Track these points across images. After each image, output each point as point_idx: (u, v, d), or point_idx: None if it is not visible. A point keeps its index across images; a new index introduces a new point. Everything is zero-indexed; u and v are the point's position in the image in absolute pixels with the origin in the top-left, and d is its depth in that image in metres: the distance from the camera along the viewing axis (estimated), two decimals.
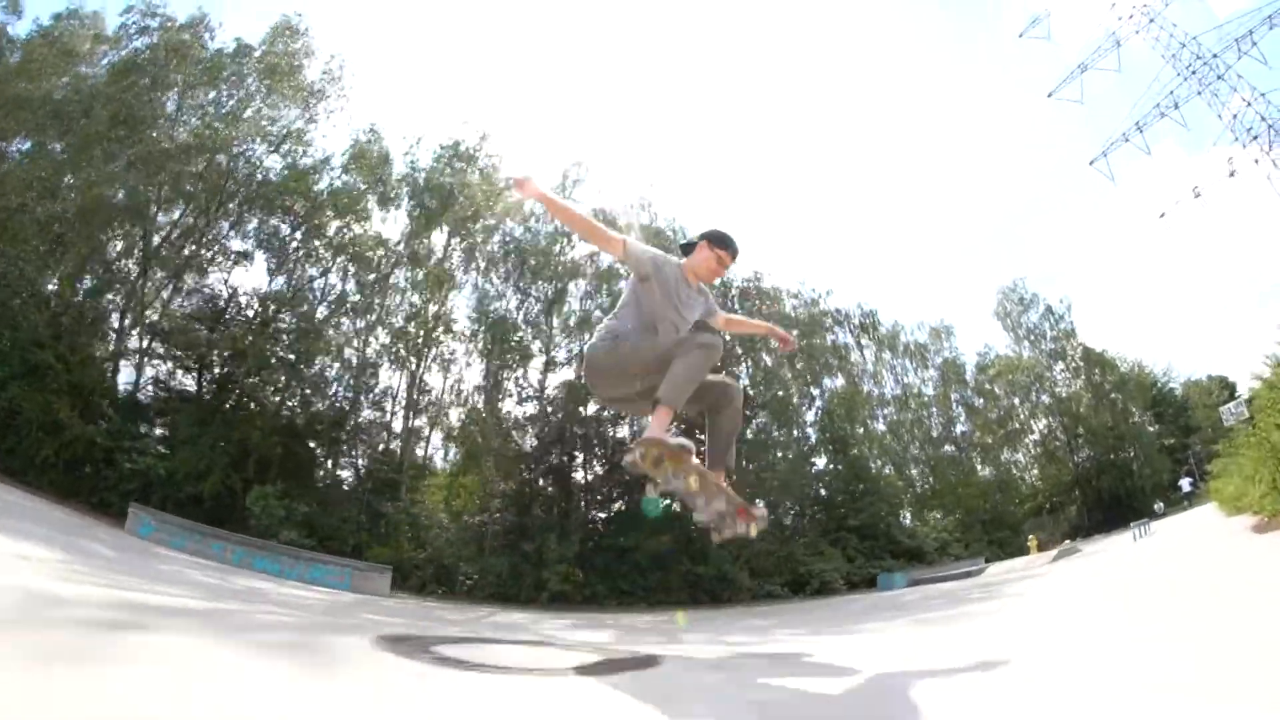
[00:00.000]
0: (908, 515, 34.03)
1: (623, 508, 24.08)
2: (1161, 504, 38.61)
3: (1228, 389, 64.24)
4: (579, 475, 24.78)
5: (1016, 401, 43.06)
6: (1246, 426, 14.80)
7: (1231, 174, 32.57)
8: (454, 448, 27.88)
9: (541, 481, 24.91)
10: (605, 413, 24.90)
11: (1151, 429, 47.95)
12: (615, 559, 21.29)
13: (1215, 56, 31.35)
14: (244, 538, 14.89)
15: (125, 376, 22.23)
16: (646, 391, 3.00)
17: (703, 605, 19.46)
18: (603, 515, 24.06)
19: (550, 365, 26.71)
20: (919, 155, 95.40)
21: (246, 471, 19.44)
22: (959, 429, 39.33)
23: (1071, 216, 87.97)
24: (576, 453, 24.79)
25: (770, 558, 23.95)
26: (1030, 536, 24.04)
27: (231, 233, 25.76)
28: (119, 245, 23.84)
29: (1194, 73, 31.97)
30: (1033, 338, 44.63)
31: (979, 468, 38.99)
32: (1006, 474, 39.78)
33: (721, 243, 3.32)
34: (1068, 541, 37.18)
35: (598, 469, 24.69)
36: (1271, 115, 30.07)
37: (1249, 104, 30.57)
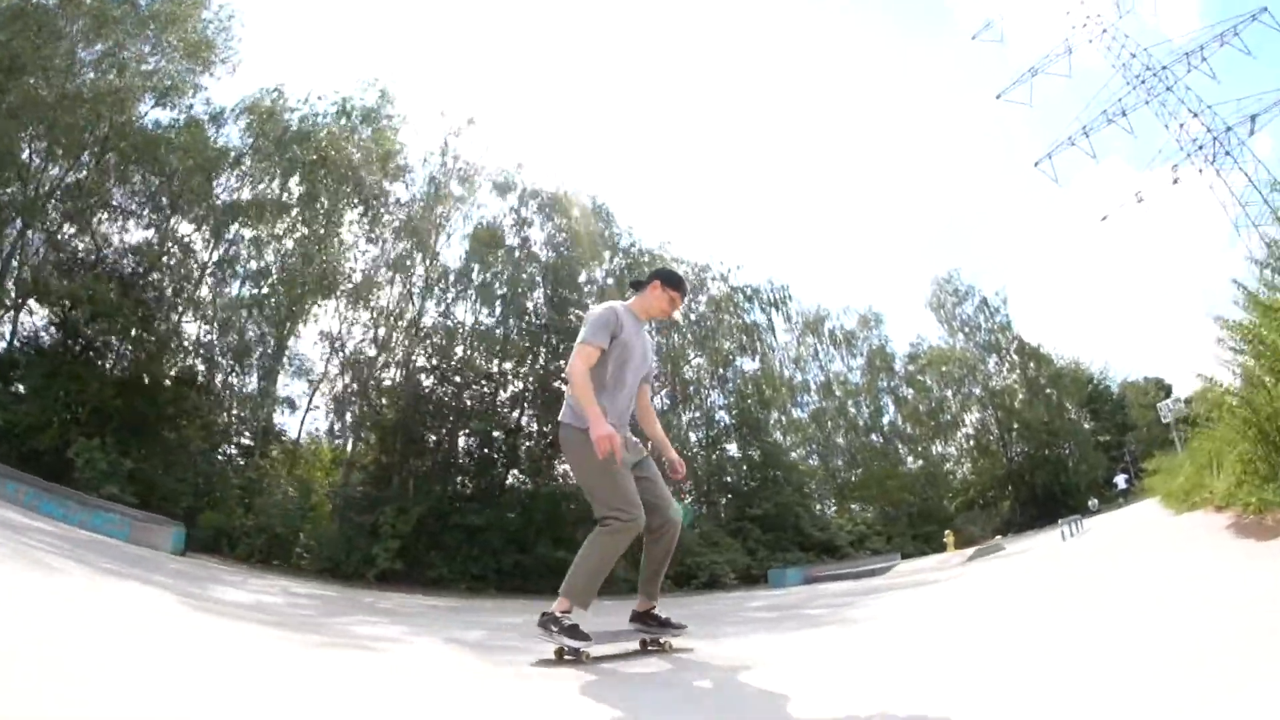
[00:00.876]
0: (830, 506, 31.50)
1: (474, 485, 20.80)
2: (1096, 501, 37.10)
3: (1164, 390, 64.24)
4: (438, 446, 21.18)
5: (949, 394, 40.87)
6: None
7: (1175, 181, 33.32)
8: (324, 414, 25.01)
9: (403, 452, 21.45)
10: (475, 385, 21.60)
11: (1087, 425, 46.62)
12: (465, 538, 18.38)
13: (1165, 68, 32.28)
14: (41, 482, 14.17)
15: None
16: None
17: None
18: (459, 490, 20.70)
19: (416, 330, 23.09)
20: (859, 149, 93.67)
21: (87, 426, 18.48)
22: (886, 419, 36.80)
23: (1015, 218, 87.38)
24: (434, 422, 21.23)
25: None
26: (947, 533, 21.38)
27: (113, 187, 23.85)
28: None
29: (1143, 82, 32.84)
30: (967, 330, 42.78)
31: (907, 460, 36.60)
32: (936, 467, 37.54)
33: (675, 284, 3.39)
34: (997, 537, 35.60)
35: (462, 442, 21.16)
36: (1217, 128, 30.84)
37: (1195, 115, 31.41)
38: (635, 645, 3.35)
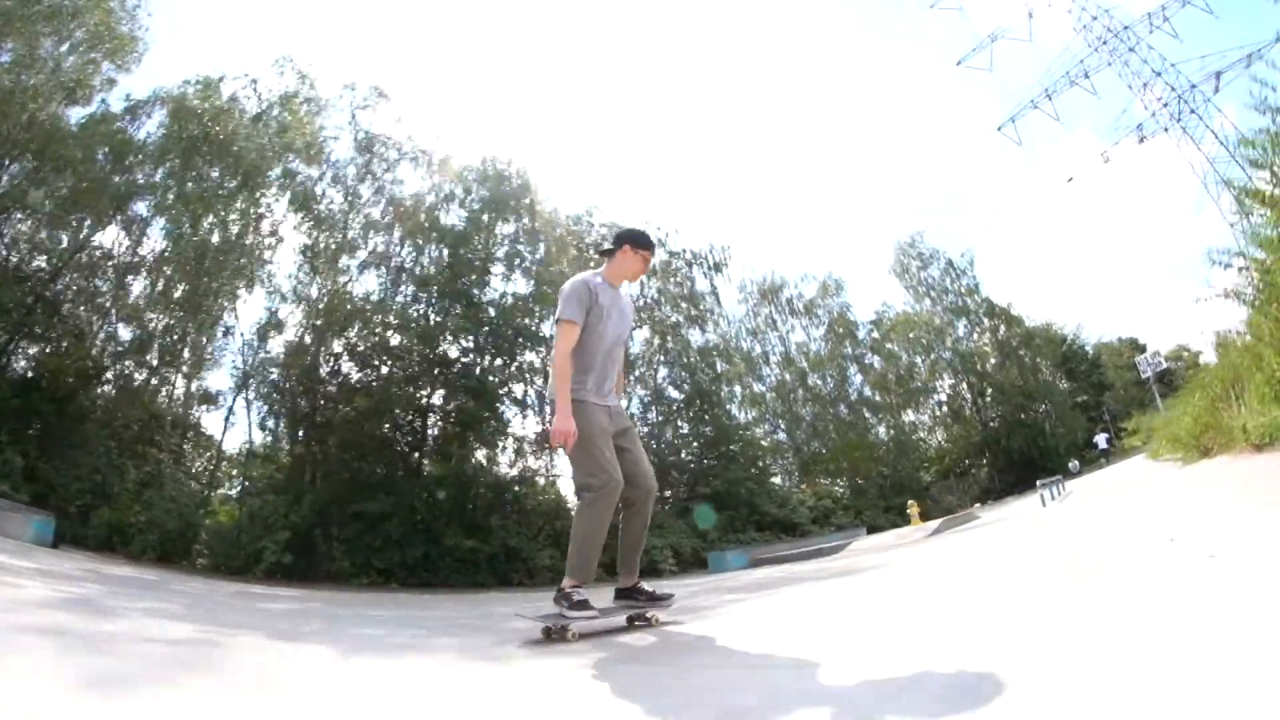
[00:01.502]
0: (794, 482, 29.40)
1: (381, 470, 18.56)
2: (1077, 462, 35.58)
3: (1139, 349, 63.21)
4: (343, 429, 18.94)
5: (918, 360, 39.01)
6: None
7: (1140, 140, 33.35)
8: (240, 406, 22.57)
9: (308, 439, 19.50)
10: (381, 363, 19.30)
11: (1063, 385, 45.09)
12: (367, 528, 16.29)
13: (1126, 29, 32.21)
14: None
15: None
16: None
17: (486, 588, 15.18)
18: (365, 476, 18.33)
19: (321, 311, 20.69)
20: (815, 119, 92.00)
21: None
22: (852, 389, 34.74)
23: (982, 186, 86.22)
24: (340, 405, 19.00)
25: None
26: (911, 503, 19.29)
27: (28, 188, 21.66)
28: None
29: (1104, 43, 32.66)
30: (934, 294, 40.96)
31: (877, 429, 34.62)
32: (907, 435, 35.61)
33: (645, 244, 3.40)
34: (975, 506, 33.95)
35: (367, 424, 18.87)
36: (1181, 86, 30.89)
37: (1159, 75, 31.42)
38: (622, 621, 3.33)
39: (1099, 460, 35.68)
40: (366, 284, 21.70)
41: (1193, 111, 31.87)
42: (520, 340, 19.68)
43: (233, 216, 22.93)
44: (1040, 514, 10.31)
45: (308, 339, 20.73)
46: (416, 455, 19.13)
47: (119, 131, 22.70)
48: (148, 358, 22.56)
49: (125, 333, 22.85)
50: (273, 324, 20.99)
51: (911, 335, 38.74)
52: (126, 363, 22.57)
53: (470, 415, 18.66)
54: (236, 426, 23.74)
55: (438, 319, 19.89)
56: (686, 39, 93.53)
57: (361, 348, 19.50)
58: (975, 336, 40.85)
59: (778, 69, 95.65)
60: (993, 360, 40.07)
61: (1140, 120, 33.36)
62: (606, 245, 3.55)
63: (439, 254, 21.00)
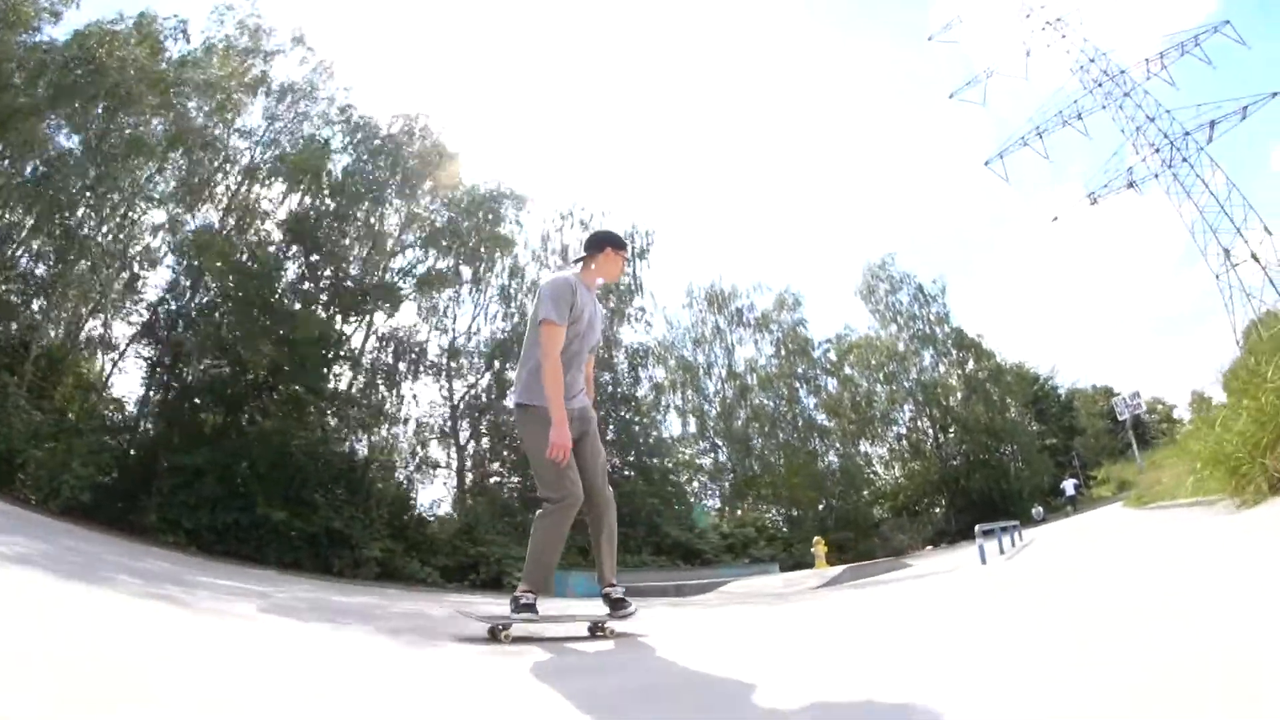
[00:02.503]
0: (714, 503, 26.31)
1: (213, 422, 16.09)
2: (1041, 509, 32.55)
3: (1113, 399, 61.05)
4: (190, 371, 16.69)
5: (879, 388, 36.20)
6: None
7: (1130, 185, 32.94)
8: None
9: (152, 378, 17.26)
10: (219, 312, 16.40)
11: (1032, 427, 42.45)
12: (182, 485, 13.94)
13: (1123, 73, 32.28)
14: None
15: None
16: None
17: (301, 569, 13.16)
18: (193, 424, 16.02)
19: (190, 244, 17.99)
20: (808, 140, 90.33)
21: None
22: (800, 410, 31.70)
23: (965, 219, 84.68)
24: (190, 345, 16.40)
25: (444, 542, 16.60)
26: (816, 540, 16.16)
27: None
28: None
29: (1100, 86, 32.63)
30: (900, 319, 38.19)
31: (826, 456, 31.59)
32: (858, 466, 32.59)
33: (623, 246, 3.51)
34: (928, 548, 31.04)
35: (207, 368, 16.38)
36: (1174, 133, 30.79)
37: (1152, 120, 31.33)
38: (584, 630, 3.38)
39: (1065, 508, 32.73)
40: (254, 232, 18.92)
41: (1184, 160, 31.49)
42: (368, 299, 17.00)
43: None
44: (979, 575, 7.00)
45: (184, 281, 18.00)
46: (244, 411, 16.39)
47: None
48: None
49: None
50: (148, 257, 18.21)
51: (873, 361, 35.95)
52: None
53: (299, 373, 16.03)
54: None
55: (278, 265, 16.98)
56: (673, 43, 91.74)
57: (213, 285, 16.99)
58: (941, 368, 38.20)
59: (767, 87, 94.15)
60: (958, 394, 37.35)
61: (1131, 165, 32.97)
62: (583, 250, 3.51)
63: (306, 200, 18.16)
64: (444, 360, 21.45)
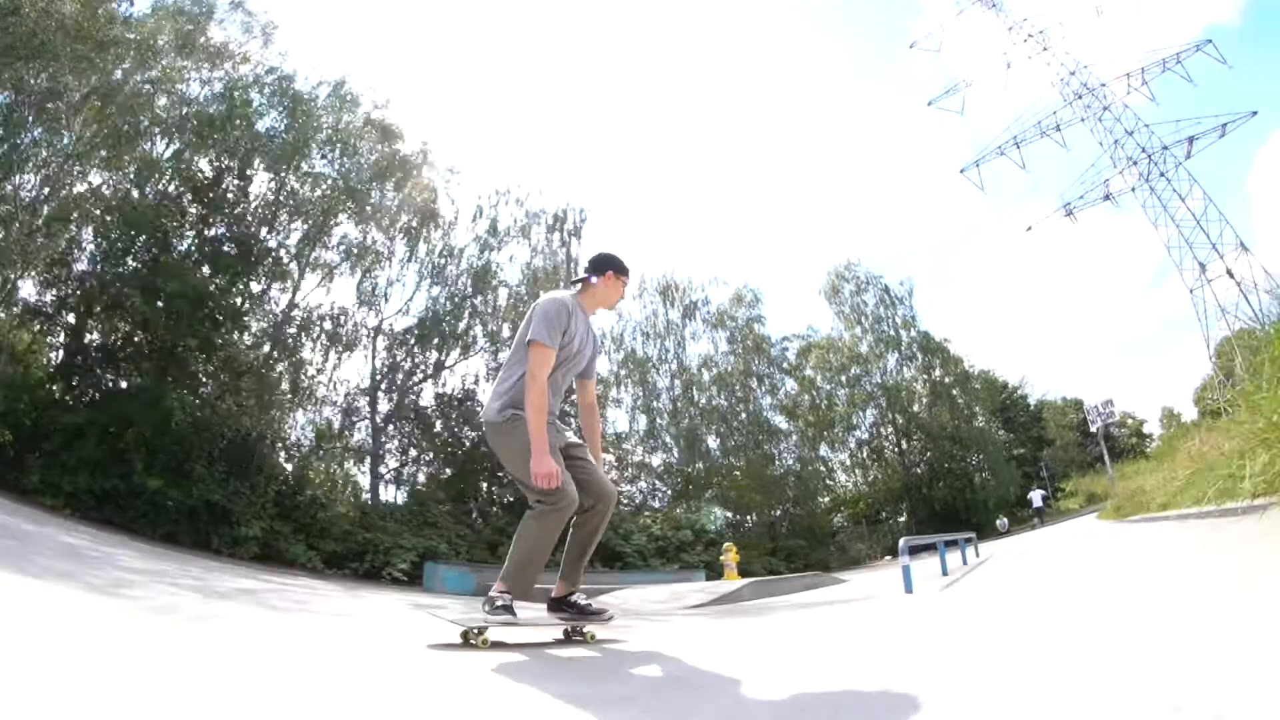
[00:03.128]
0: (658, 505, 24.77)
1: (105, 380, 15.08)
2: (1005, 520, 31.35)
3: (1083, 413, 60.40)
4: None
5: (841, 391, 34.89)
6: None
7: (1107, 197, 33.14)
8: None
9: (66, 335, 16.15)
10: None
11: (999, 436, 41.32)
12: (63, 446, 12.82)
13: (1104, 85, 32.53)
14: None
15: None
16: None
17: (179, 544, 12.31)
18: (89, 383, 15.05)
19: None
20: (786, 144, 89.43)
21: None
22: (753, 409, 30.17)
23: (941, 227, 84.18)
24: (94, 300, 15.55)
25: (335, 526, 15.10)
26: (728, 547, 14.49)
27: None
28: None
29: (1079, 98, 32.94)
30: (865, 321, 37.02)
31: (784, 458, 30.12)
32: (815, 471, 31.20)
33: (626, 271, 3.31)
34: (886, 559, 29.73)
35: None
36: (1153, 147, 31.10)
37: (1130, 134, 31.56)
38: (559, 634, 3.23)
39: (1031, 520, 31.59)
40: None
41: (1162, 175, 31.59)
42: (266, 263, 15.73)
43: None
44: (891, 610, 5.12)
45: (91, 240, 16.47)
46: (135, 373, 15.21)
47: None
48: None
49: None
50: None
51: (835, 362, 34.61)
52: None
53: (184, 332, 14.63)
54: None
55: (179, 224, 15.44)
56: (640, 30, 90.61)
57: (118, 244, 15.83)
58: (907, 373, 36.95)
59: (740, 86, 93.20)
60: (923, 400, 36.09)
61: (1108, 178, 33.13)
62: (584, 271, 3.29)
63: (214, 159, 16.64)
64: (364, 337, 19.83)
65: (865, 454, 35.91)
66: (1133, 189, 32.73)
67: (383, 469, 19.28)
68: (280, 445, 16.68)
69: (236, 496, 13.87)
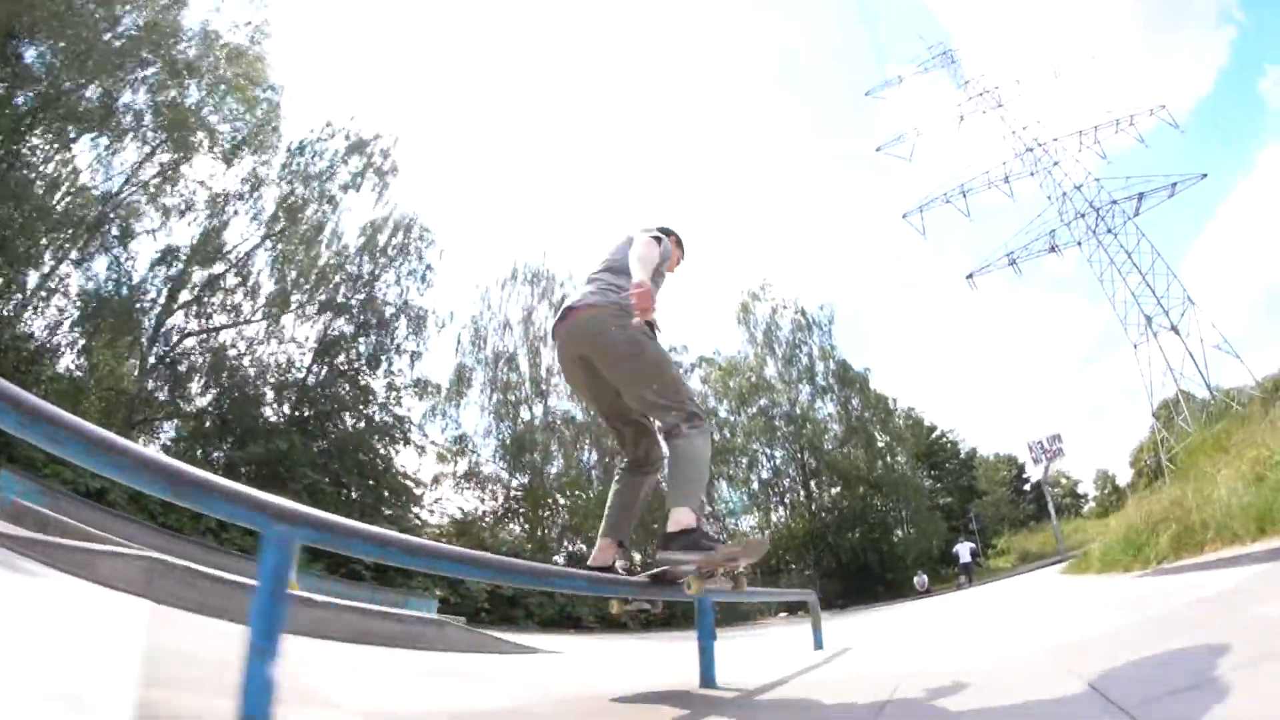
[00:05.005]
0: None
1: None
2: (924, 578, 26.71)
3: (1016, 469, 57.05)
4: None
5: (740, 418, 30.39)
6: None
7: (1052, 249, 33.04)
8: None
9: None
10: None
11: (925, 483, 37.14)
12: None
13: (1055, 140, 32.90)
14: None
15: None
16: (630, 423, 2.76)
17: None
18: None
19: None
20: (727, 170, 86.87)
21: None
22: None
23: (880, 274, 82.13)
24: None
25: None
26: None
27: None
28: None
29: (1029, 151, 33.21)
30: (778, 348, 33.05)
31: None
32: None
33: (684, 247, 3.17)
34: (782, 615, 25.08)
35: None
36: (1101, 201, 31.43)
37: (1078, 188, 31.85)
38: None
39: (957, 578, 26.85)
40: None
41: (1109, 230, 31.50)
42: None
43: None
44: None
45: None
46: None
47: None
48: None
49: None
50: None
51: (737, 387, 30.17)
52: None
53: None
54: None
55: None
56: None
57: None
58: (822, 407, 32.70)
59: (663, 89, 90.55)
60: (837, 433, 31.75)
61: (1054, 229, 32.74)
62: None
63: None
64: None
65: (769, 495, 31.25)
66: (1079, 243, 32.37)
67: None
68: None
69: None
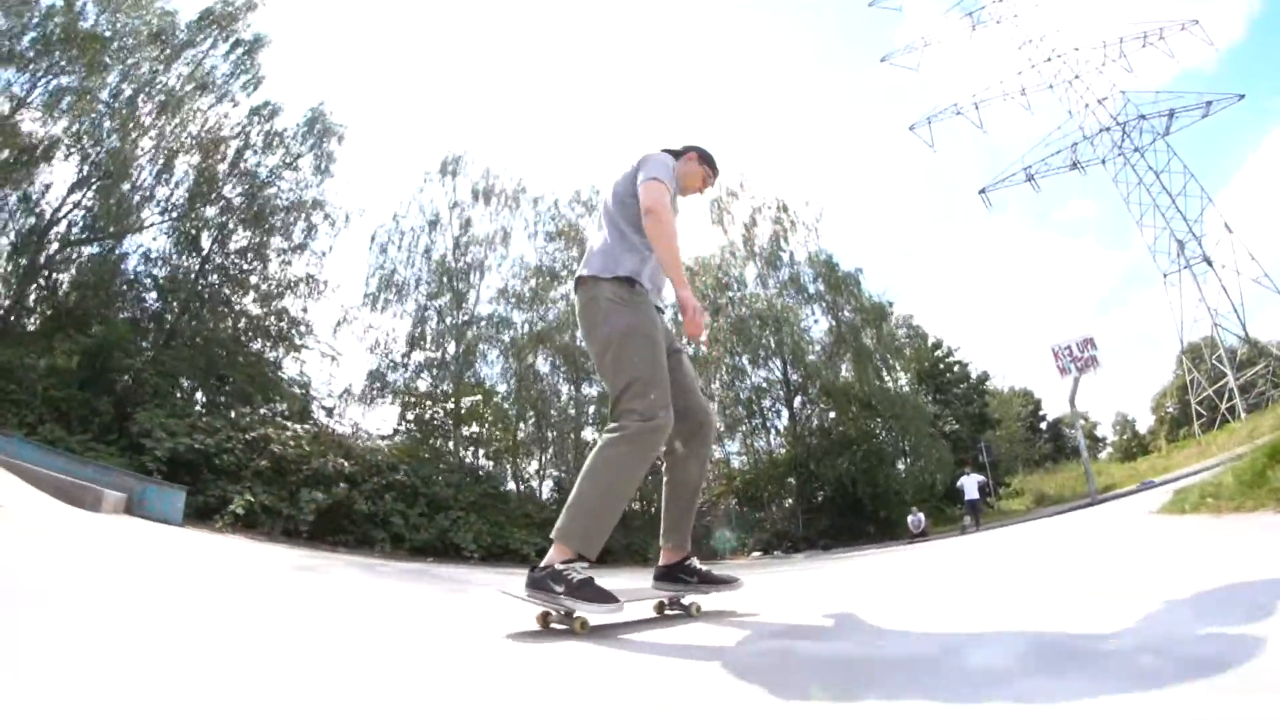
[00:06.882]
0: None
1: None
2: (921, 518, 22.02)
3: (1033, 404, 52.47)
4: None
5: (714, 325, 25.77)
6: None
7: (1074, 165, 31.49)
8: None
9: None
10: None
11: (928, 406, 32.48)
12: None
13: (1076, 50, 31.18)
14: None
15: None
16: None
17: None
18: None
19: None
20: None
21: None
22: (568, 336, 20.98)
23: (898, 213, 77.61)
24: None
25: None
26: None
27: None
28: None
29: (1048, 61, 31.62)
30: (758, 248, 28.14)
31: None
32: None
33: (713, 164, 2.76)
34: (755, 554, 20.72)
35: None
36: (1128, 115, 29.86)
37: (1102, 102, 30.40)
38: (649, 611, 2.50)
39: (961, 519, 22.05)
40: None
41: (1136, 149, 29.83)
42: None
43: None
44: None
45: None
46: None
47: None
48: None
49: None
50: None
51: (703, 285, 25.34)
52: None
53: None
54: None
55: None
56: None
57: None
58: (808, 313, 27.81)
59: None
60: (821, 345, 27.18)
61: (1075, 142, 31.09)
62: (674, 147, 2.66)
63: None
64: None
65: (751, 415, 26.72)
66: (1103, 160, 30.87)
67: None
68: None
69: None
